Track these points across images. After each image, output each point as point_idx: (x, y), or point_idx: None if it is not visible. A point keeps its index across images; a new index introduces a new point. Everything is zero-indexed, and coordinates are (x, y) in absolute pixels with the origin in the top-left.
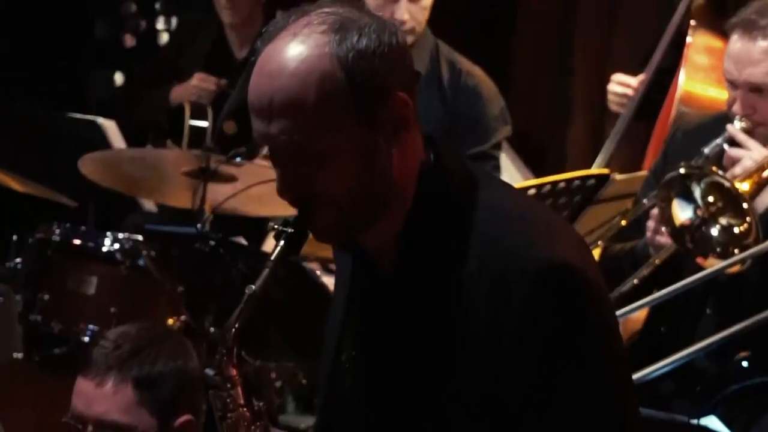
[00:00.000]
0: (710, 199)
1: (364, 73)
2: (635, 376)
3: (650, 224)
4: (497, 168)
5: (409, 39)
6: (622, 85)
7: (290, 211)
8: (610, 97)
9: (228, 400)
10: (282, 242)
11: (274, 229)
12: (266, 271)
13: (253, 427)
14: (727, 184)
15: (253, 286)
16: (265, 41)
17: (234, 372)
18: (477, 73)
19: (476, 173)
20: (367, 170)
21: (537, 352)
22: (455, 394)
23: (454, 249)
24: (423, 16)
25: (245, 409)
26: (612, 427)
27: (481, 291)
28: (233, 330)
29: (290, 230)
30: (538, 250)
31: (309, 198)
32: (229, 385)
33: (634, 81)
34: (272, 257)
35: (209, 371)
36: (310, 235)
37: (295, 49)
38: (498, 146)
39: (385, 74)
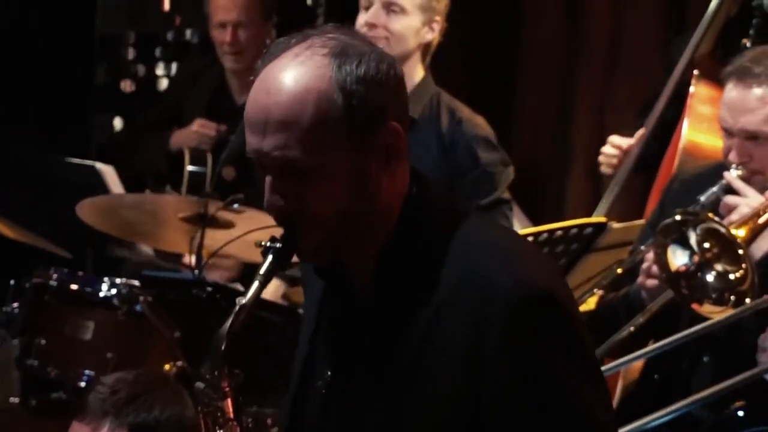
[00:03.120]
0: (706, 245)
1: (360, 98)
2: (632, 426)
3: (644, 266)
4: (511, 208)
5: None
6: (615, 147)
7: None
8: (601, 158)
9: (218, 414)
10: (270, 258)
11: (261, 245)
12: (256, 284)
13: None
14: (722, 230)
15: (244, 299)
16: (266, 61)
17: (224, 384)
18: (477, 122)
19: (460, 209)
20: (356, 193)
21: (512, 377)
22: (429, 418)
23: (431, 276)
24: (403, 30)
25: (234, 422)
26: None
27: (457, 318)
28: (224, 341)
29: (277, 245)
30: (512, 278)
31: (296, 216)
32: (218, 396)
33: (626, 144)
34: (261, 272)
35: (199, 384)
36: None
37: (296, 68)
38: (506, 190)
39: (381, 102)
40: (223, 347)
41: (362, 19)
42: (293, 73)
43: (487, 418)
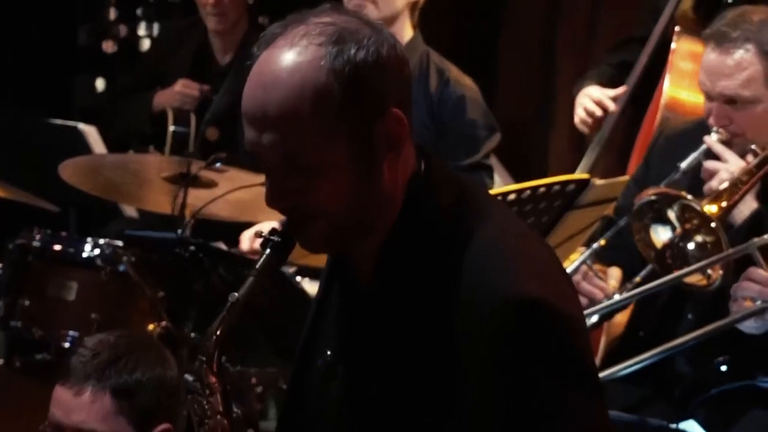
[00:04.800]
0: (686, 218)
1: (360, 88)
2: (616, 368)
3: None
4: (491, 176)
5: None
6: (594, 101)
7: (269, 218)
8: (578, 111)
9: (206, 407)
10: (268, 251)
11: (261, 236)
12: (251, 280)
13: None
14: (696, 206)
15: (237, 294)
16: (262, 47)
17: (213, 379)
18: (465, 83)
19: (465, 190)
20: (358, 185)
21: (495, 380)
22: (419, 405)
23: (431, 269)
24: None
25: (223, 417)
26: None
27: (452, 313)
28: (214, 337)
29: (277, 239)
30: (509, 284)
31: (297, 210)
32: (208, 392)
33: (603, 95)
34: (258, 266)
35: (188, 377)
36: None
37: (292, 60)
38: (488, 155)
39: (382, 89)
40: (213, 344)
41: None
42: (289, 65)
43: (467, 415)
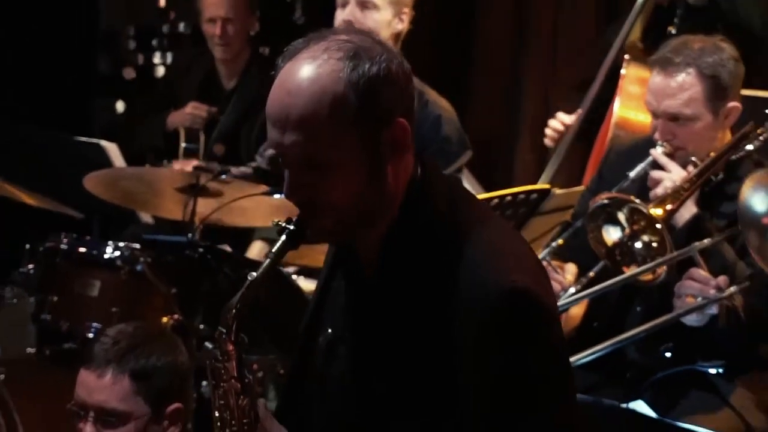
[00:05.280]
0: (634, 220)
1: (372, 99)
2: (576, 358)
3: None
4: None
5: None
6: (560, 122)
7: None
8: (547, 131)
9: (222, 372)
10: (283, 237)
11: (277, 225)
12: (267, 261)
13: (240, 398)
14: (643, 209)
15: (255, 274)
16: (286, 59)
17: (230, 347)
18: (442, 104)
19: (457, 192)
20: (365, 184)
21: (491, 365)
22: (416, 381)
23: (429, 259)
24: (377, 24)
25: (236, 381)
26: (552, 424)
27: (449, 299)
28: (234, 311)
29: (291, 227)
30: (500, 275)
31: (311, 203)
32: (225, 359)
33: (569, 119)
34: (274, 249)
35: (209, 345)
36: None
37: (314, 71)
38: (460, 169)
39: (391, 101)
40: (232, 317)
41: (340, 16)
42: (311, 75)
43: (459, 396)
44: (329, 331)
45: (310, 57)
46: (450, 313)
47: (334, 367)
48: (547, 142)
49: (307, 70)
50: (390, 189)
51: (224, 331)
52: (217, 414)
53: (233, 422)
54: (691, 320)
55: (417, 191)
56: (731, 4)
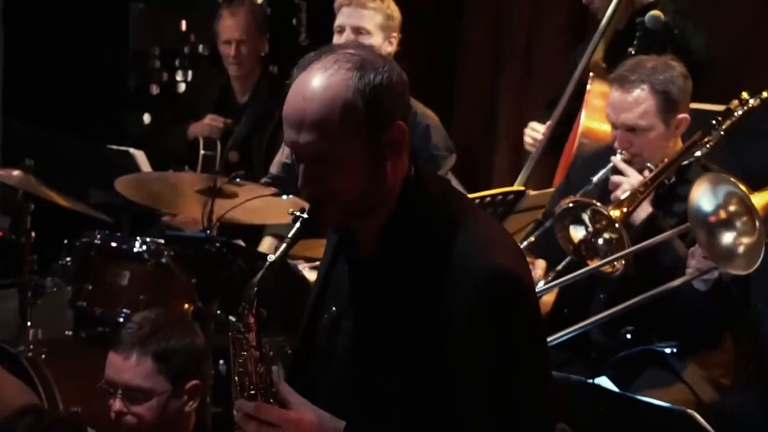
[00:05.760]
0: (596, 220)
1: (376, 104)
2: (548, 340)
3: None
4: None
5: None
6: (535, 130)
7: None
8: (526, 138)
9: (243, 342)
10: (298, 224)
11: (293, 214)
12: (284, 245)
13: (258, 365)
14: (604, 211)
15: (273, 256)
16: (300, 69)
17: (252, 320)
18: (429, 115)
19: (447, 188)
20: (368, 178)
21: (477, 343)
22: (413, 351)
23: (424, 246)
24: None
25: (255, 350)
26: (532, 388)
27: (441, 281)
28: (255, 288)
29: (305, 216)
30: (486, 259)
31: (321, 194)
32: (245, 330)
33: (542, 128)
34: (290, 234)
35: (232, 318)
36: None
37: (327, 79)
38: (447, 172)
39: (391, 106)
40: (253, 294)
41: (338, 41)
42: (324, 83)
43: (453, 366)
44: (333, 309)
45: (322, 67)
46: (443, 292)
47: (338, 341)
48: (528, 147)
49: (320, 78)
50: (389, 183)
51: (246, 306)
52: (236, 378)
53: (251, 386)
54: (698, 285)
55: (412, 186)
56: (681, 31)
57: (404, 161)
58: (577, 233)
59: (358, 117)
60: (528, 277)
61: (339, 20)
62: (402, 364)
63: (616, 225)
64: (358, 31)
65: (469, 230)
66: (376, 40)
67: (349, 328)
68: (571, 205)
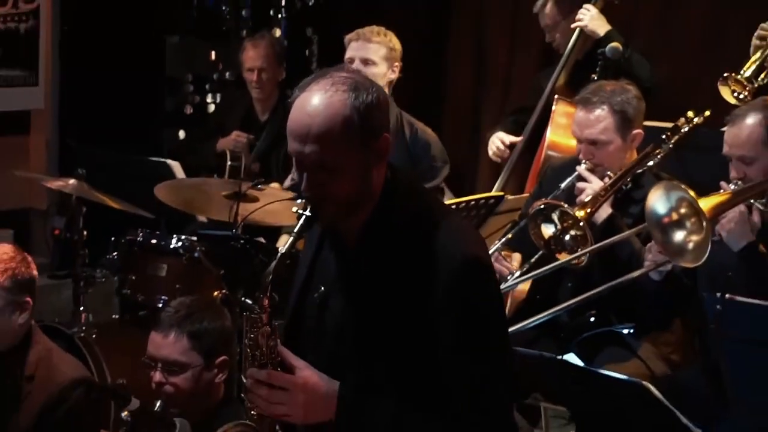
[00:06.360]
0: (564, 219)
1: (368, 119)
2: (523, 323)
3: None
4: (444, 194)
5: None
6: (502, 142)
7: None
8: (492, 147)
9: (258, 320)
10: (302, 220)
11: (296, 212)
12: (291, 239)
13: (269, 339)
14: (570, 212)
15: (282, 248)
16: (301, 89)
17: (265, 303)
18: (429, 132)
19: (421, 190)
20: (360, 182)
21: (453, 317)
22: (393, 327)
23: (401, 237)
24: (376, 77)
25: (267, 326)
26: (499, 346)
27: (417, 267)
28: (270, 276)
29: (308, 213)
30: (461, 247)
31: (321, 196)
32: (260, 311)
33: (507, 138)
34: (295, 230)
35: (248, 301)
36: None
37: (328, 98)
38: (443, 180)
39: (379, 121)
40: (268, 281)
41: None
42: (325, 101)
43: (433, 332)
44: (322, 289)
45: (321, 89)
46: (420, 275)
47: (326, 316)
48: (494, 158)
49: (321, 97)
50: (374, 186)
51: (261, 290)
52: (248, 351)
53: (262, 357)
54: (654, 275)
55: (390, 188)
56: (626, 60)
57: (385, 167)
58: (548, 230)
59: (355, 130)
60: (489, 260)
61: (349, 53)
62: (384, 335)
63: (581, 224)
64: (365, 62)
65: (440, 223)
66: (381, 69)
67: (336, 306)
68: (542, 206)
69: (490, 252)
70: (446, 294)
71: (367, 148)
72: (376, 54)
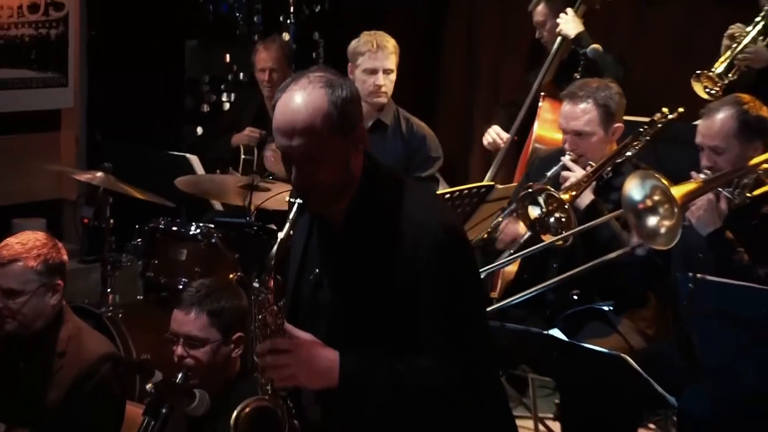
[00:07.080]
0: (549, 202)
1: (345, 112)
2: (512, 298)
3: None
4: (437, 184)
5: (384, 99)
6: (498, 135)
7: None
8: (486, 137)
9: (265, 301)
10: (295, 208)
11: (289, 201)
12: (287, 225)
13: (277, 317)
14: (556, 195)
15: (281, 233)
16: (281, 91)
17: (271, 284)
18: (423, 127)
19: (395, 174)
20: (343, 170)
21: (437, 278)
22: (381, 300)
23: (382, 215)
24: (392, 85)
25: (273, 305)
26: (474, 317)
27: (401, 241)
28: (273, 260)
29: (300, 201)
30: (439, 218)
31: (309, 185)
32: (266, 291)
33: (504, 135)
34: (290, 217)
35: (256, 283)
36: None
37: (307, 96)
38: (437, 171)
39: (354, 113)
40: (272, 265)
41: (371, 80)
42: (306, 99)
43: (417, 298)
44: (316, 270)
45: (301, 88)
46: (403, 248)
47: (321, 295)
48: (487, 146)
49: (301, 95)
50: (354, 172)
51: (266, 273)
52: (257, 330)
53: (270, 335)
54: (639, 251)
55: (369, 174)
56: (602, 61)
57: (362, 155)
58: (534, 212)
59: (334, 122)
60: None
61: (370, 63)
62: (374, 308)
63: (566, 206)
64: (386, 72)
65: (418, 201)
66: (394, 76)
67: (328, 285)
68: (530, 190)
69: (501, 219)
70: (429, 259)
71: (346, 138)
72: (393, 63)
